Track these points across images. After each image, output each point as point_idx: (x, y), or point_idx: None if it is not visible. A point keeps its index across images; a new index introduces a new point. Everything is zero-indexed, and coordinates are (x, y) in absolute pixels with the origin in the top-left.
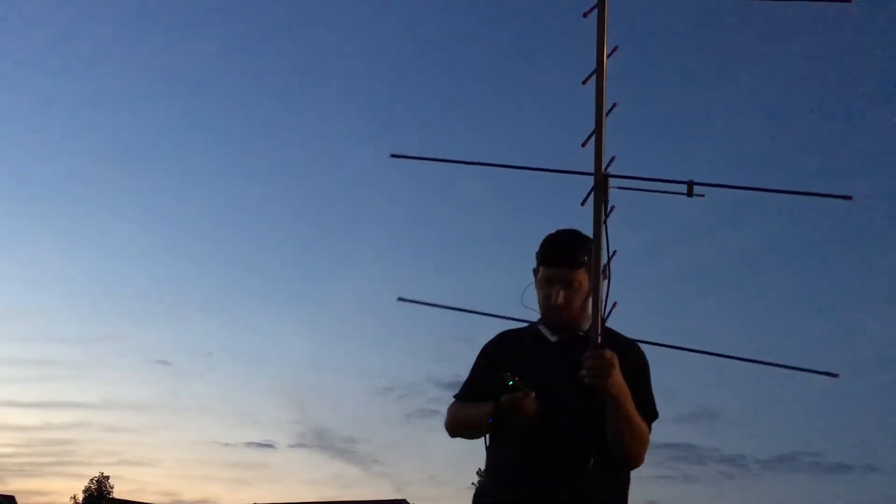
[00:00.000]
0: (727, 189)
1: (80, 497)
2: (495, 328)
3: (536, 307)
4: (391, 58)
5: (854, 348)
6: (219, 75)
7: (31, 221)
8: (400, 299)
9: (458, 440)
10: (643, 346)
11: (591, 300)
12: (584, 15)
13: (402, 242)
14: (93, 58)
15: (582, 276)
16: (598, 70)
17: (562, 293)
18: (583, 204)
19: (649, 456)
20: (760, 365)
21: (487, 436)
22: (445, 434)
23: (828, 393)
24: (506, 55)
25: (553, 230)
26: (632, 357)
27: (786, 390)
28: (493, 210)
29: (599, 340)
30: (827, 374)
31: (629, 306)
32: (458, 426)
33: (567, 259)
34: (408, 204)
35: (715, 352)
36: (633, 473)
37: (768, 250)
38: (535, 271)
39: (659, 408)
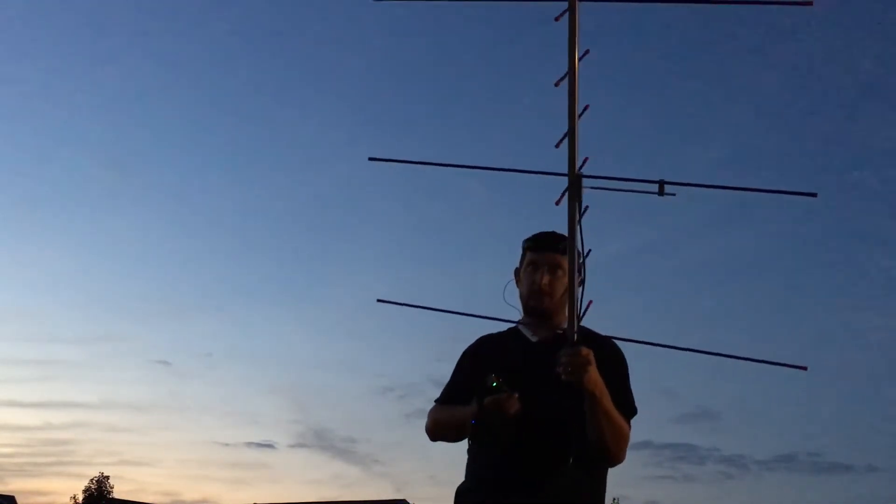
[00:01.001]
0: (704, 190)
1: (80, 497)
2: (495, 327)
3: (518, 304)
4: (382, 60)
5: (854, 349)
6: (218, 76)
7: (32, 221)
8: (379, 300)
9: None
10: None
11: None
12: (556, 19)
13: (402, 242)
14: (93, 58)
15: (565, 264)
16: (570, 72)
17: (547, 276)
18: (557, 203)
19: (649, 456)
20: (735, 360)
21: (469, 437)
22: None
23: (827, 393)
24: (482, 59)
25: (535, 232)
26: (609, 354)
27: (786, 390)
28: (491, 211)
29: (575, 338)
30: (796, 366)
31: (613, 305)
32: (439, 428)
33: (555, 244)
34: (407, 203)
35: (688, 347)
36: (634, 473)
37: (750, 252)
38: (517, 271)
39: (659, 408)
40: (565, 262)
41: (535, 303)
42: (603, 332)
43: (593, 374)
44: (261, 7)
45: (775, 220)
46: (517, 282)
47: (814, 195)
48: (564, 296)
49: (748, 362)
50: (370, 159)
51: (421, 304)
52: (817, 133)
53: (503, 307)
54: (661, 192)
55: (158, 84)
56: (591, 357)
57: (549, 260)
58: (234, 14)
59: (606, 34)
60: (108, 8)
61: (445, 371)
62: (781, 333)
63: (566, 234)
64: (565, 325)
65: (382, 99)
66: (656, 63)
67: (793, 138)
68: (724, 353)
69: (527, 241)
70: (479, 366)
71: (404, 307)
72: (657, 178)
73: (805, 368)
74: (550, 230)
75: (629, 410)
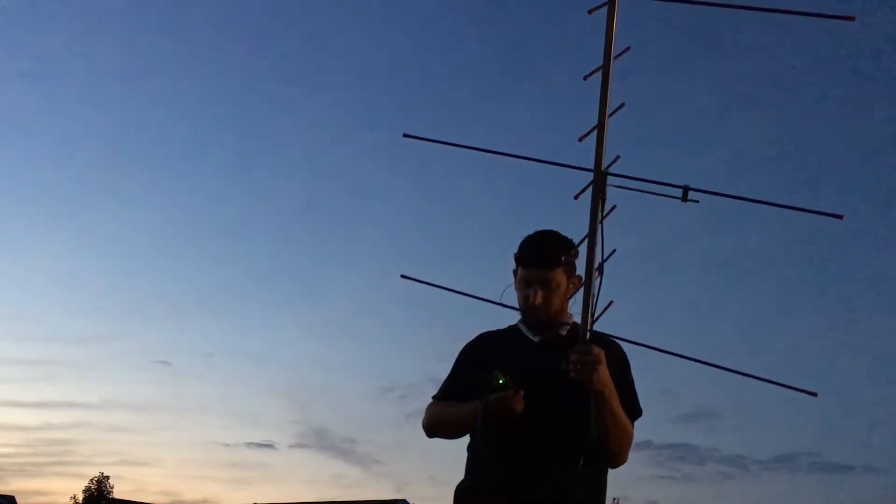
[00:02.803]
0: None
1: (80, 497)
2: (497, 324)
3: (517, 307)
4: (393, 48)
5: (854, 349)
6: (218, 76)
7: (32, 222)
8: (403, 276)
9: (449, 442)
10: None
11: (572, 299)
12: (590, 12)
13: (402, 243)
14: (93, 58)
15: (559, 276)
16: (605, 67)
17: (539, 293)
18: (576, 198)
19: (649, 456)
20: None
21: (470, 434)
22: None
23: (827, 393)
24: (515, 49)
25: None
26: (614, 356)
27: (785, 390)
28: (500, 205)
29: (588, 337)
30: (806, 392)
31: (624, 306)
32: (438, 425)
33: (543, 259)
34: (406, 204)
35: (696, 358)
36: (634, 473)
37: (764, 256)
38: (515, 272)
39: (658, 408)
40: (557, 275)
41: (532, 317)
42: (604, 331)
43: (603, 375)
44: (259, 13)
45: (784, 222)
46: (515, 284)
47: (840, 217)
48: (563, 301)
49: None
50: (405, 136)
51: (442, 286)
52: (848, 145)
53: (513, 300)
54: (684, 198)
55: (158, 84)
56: (602, 356)
57: (540, 276)
58: (234, 20)
59: (642, 31)
60: (108, 9)
61: (445, 371)
62: (783, 333)
63: (587, 230)
64: (568, 326)
65: (392, 90)
66: (685, 63)
67: (823, 149)
68: (733, 368)
69: (518, 253)
70: (478, 363)
71: (426, 289)
72: (679, 183)
73: (815, 395)
74: (540, 231)
75: (634, 412)
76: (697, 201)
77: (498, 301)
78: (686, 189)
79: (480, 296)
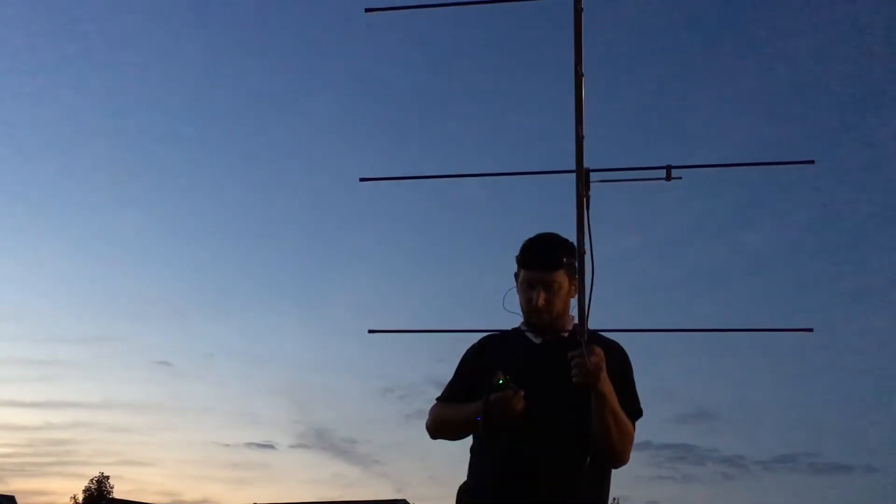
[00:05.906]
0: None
1: (80, 497)
2: (498, 326)
3: (519, 311)
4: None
5: (853, 348)
6: (220, 76)
7: (32, 221)
8: (370, 331)
9: (448, 442)
10: (620, 335)
11: (574, 300)
12: None
13: (403, 243)
14: (93, 58)
15: (561, 278)
16: (577, 69)
17: (542, 295)
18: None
19: (649, 456)
20: (740, 333)
21: (473, 435)
22: None
23: (827, 393)
24: (473, 65)
25: (529, 238)
26: (616, 357)
27: (785, 390)
28: (491, 211)
29: (586, 338)
30: (801, 329)
31: (619, 300)
32: (441, 426)
33: (545, 261)
34: (409, 203)
35: (690, 328)
36: (634, 473)
37: (753, 251)
38: (517, 275)
39: (658, 408)
40: (559, 276)
41: (535, 320)
42: (600, 326)
43: (604, 376)
44: (261, 17)
45: (779, 218)
46: (517, 287)
47: (811, 162)
48: (565, 303)
49: (753, 335)
50: (361, 180)
51: (413, 329)
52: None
53: (503, 312)
54: (668, 178)
55: (158, 85)
56: (603, 358)
57: (542, 278)
58: (235, 21)
59: (609, 21)
60: (108, 11)
61: (446, 372)
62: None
63: (575, 232)
64: (569, 328)
65: (378, 107)
66: (660, 52)
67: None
68: (728, 328)
69: (520, 255)
70: (482, 365)
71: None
72: (663, 165)
73: (811, 330)
74: (543, 234)
75: (635, 412)
76: (681, 178)
77: (482, 329)
78: (669, 168)
79: (458, 328)
